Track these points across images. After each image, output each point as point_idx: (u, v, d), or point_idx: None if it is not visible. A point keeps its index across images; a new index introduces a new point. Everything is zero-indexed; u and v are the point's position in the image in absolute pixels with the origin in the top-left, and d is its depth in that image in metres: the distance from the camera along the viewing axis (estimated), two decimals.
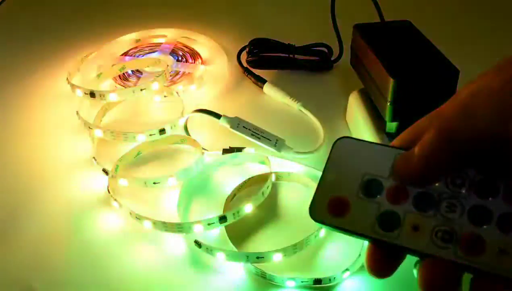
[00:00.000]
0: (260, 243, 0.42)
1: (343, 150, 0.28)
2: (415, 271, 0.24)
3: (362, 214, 0.25)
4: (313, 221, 0.26)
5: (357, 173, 0.27)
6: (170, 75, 0.59)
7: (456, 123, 0.25)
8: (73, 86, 0.53)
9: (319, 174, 0.27)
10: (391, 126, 0.45)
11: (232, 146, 0.49)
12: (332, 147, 0.28)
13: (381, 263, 0.25)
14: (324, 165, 0.27)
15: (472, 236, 0.23)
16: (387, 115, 0.43)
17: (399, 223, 0.25)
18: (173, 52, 0.63)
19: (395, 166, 0.26)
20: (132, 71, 0.60)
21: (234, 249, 0.40)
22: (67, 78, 0.56)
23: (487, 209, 0.24)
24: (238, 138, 0.50)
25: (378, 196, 0.26)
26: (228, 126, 0.50)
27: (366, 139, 0.28)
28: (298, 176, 0.47)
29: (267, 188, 0.43)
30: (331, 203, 0.26)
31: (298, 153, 0.49)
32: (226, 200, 0.44)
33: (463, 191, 0.25)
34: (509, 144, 0.23)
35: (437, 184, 0.25)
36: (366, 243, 0.26)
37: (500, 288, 0.22)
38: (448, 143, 0.25)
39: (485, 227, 0.23)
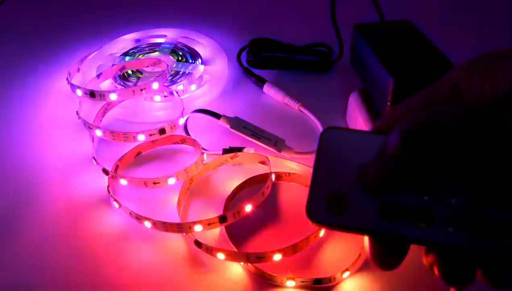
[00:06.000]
0: (260, 243, 0.42)
1: (331, 142, 0.26)
2: (424, 260, 0.23)
3: (363, 208, 0.24)
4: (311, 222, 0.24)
5: (351, 165, 0.25)
6: (170, 75, 0.59)
7: (421, 120, 0.23)
8: (73, 86, 0.53)
9: None
10: None
11: (232, 146, 0.49)
12: (319, 141, 0.26)
13: (388, 256, 0.24)
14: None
15: (479, 220, 0.22)
16: None
17: (402, 213, 0.23)
18: (173, 52, 0.63)
19: (360, 174, 0.25)
20: (132, 71, 0.60)
21: (234, 249, 0.40)
22: (67, 78, 0.56)
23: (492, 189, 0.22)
24: (238, 138, 0.50)
25: None
26: (228, 126, 0.50)
27: (351, 128, 0.27)
28: (298, 176, 0.47)
29: (267, 188, 0.43)
30: (329, 200, 0.24)
31: (298, 153, 0.49)
32: (226, 200, 0.44)
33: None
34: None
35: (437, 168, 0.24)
36: (366, 242, 0.25)
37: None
38: (410, 149, 0.23)
39: (491, 209, 0.22)
